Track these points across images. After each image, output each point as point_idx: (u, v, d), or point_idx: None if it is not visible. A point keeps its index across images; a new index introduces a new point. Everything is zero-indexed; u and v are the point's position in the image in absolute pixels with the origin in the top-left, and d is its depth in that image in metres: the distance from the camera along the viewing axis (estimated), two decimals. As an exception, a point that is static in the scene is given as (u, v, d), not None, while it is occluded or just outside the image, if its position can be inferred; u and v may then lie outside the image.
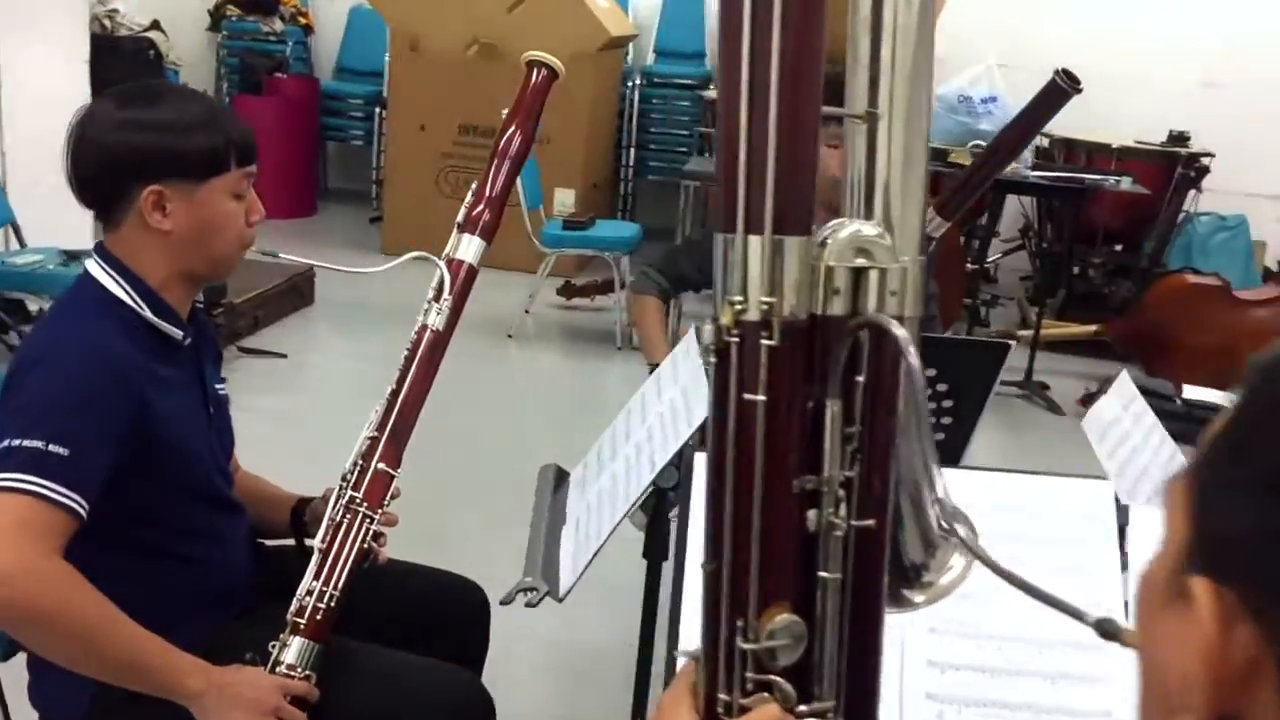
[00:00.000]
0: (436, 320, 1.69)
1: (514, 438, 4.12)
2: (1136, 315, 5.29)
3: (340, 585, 1.53)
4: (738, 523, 0.74)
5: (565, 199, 6.21)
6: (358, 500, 1.57)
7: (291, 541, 1.77)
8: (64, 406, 1.37)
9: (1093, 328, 5.31)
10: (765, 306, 0.70)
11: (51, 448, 1.33)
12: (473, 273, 1.77)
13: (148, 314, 1.51)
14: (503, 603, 1.51)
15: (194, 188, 1.49)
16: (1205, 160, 5.49)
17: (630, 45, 6.99)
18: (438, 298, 1.71)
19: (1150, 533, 1.25)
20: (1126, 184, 4.69)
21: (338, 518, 1.56)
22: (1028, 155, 4.95)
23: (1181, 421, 4.74)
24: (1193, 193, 5.59)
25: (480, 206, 1.79)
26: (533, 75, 1.88)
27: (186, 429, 1.54)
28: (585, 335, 5.38)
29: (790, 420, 0.73)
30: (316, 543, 1.56)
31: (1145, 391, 4.98)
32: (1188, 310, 5.09)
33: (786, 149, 0.68)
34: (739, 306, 0.71)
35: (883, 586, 0.77)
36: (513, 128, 1.84)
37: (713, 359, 0.73)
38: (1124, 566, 1.26)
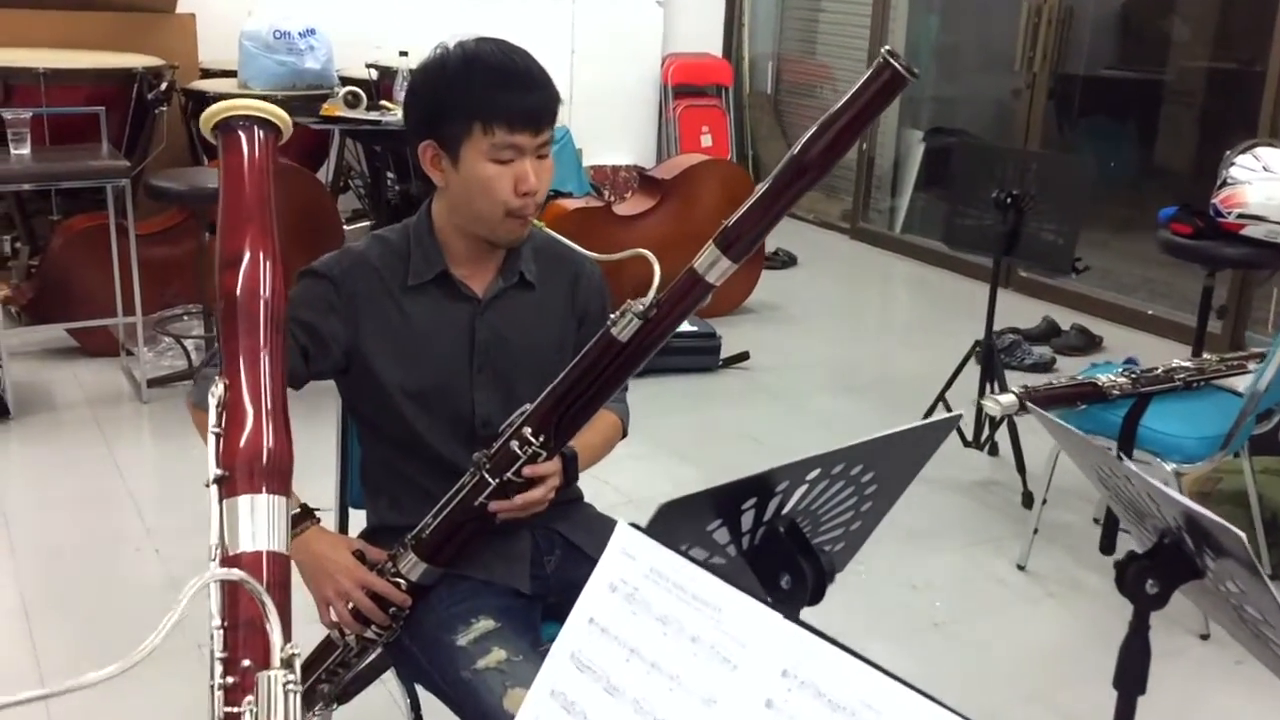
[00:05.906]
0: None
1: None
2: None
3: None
4: None
5: None
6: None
7: None
8: None
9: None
10: None
11: None
12: (284, 565, 0.89)
13: None
14: None
15: None
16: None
17: None
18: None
19: None
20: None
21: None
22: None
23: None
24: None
25: (249, 428, 0.92)
26: (245, 144, 1.01)
27: None
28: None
29: None
30: None
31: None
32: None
33: None
34: None
35: None
36: (244, 255, 0.96)
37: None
38: None
